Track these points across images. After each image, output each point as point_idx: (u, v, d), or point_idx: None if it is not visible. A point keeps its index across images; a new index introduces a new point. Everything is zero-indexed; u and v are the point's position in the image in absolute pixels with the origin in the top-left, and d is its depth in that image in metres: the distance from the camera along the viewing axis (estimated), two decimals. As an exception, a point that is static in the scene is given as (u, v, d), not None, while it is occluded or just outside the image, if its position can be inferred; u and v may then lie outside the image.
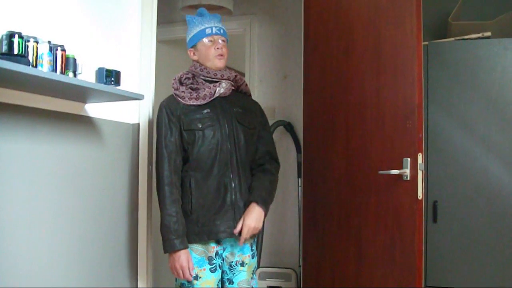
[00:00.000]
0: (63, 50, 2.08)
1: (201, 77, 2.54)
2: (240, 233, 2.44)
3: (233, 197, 2.46)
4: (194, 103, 2.49)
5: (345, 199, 2.89)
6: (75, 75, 2.14)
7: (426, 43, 3.20)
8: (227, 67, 2.60)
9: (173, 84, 2.56)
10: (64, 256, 2.30)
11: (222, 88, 2.52)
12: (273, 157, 2.68)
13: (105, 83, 2.28)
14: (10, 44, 1.86)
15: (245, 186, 2.52)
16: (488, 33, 3.27)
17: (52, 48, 2.03)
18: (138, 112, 2.80)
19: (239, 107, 2.59)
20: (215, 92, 2.50)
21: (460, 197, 3.18)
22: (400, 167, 2.62)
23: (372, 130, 2.77)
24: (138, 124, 2.80)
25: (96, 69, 2.33)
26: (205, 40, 2.54)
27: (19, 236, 2.06)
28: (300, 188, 3.86)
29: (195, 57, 2.58)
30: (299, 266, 3.69)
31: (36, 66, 1.95)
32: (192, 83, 2.54)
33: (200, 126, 2.47)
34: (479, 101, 3.18)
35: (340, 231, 2.90)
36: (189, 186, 2.46)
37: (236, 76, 2.60)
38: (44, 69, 1.97)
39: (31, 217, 2.11)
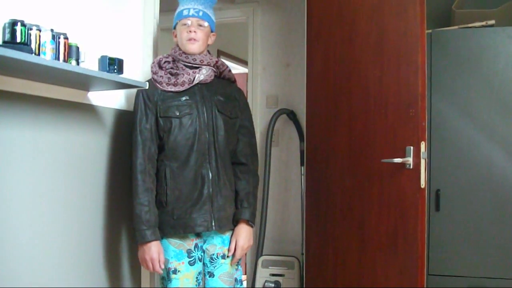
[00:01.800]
0: (66, 38, 2.07)
1: (181, 62, 2.46)
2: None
3: (210, 189, 2.38)
4: (172, 89, 2.41)
5: (348, 188, 2.89)
6: (77, 63, 2.14)
7: (430, 31, 3.18)
8: (208, 52, 2.51)
9: (152, 67, 2.48)
10: (67, 253, 2.29)
11: (202, 75, 2.44)
12: (254, 151, 2.62)
13: (108, 71, 2.27)
14: (13, 32, 1.86)
15: (224, 178, 2.43)
16: (492, 22, 3.25)
17: (55, 36, 2.02)
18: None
19: (221, 95, 2.50)
20: (194, 79, 2.42)
21: (463, 186, 3.18)
22: (403, 155, 2.62)
23: (375, 118, 2.77)
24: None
25: (99, 57, 2.32)
26: (181, 22, 2.46)
27: (22, 227, 2.06)
28: (303, 176, 3.86)
29: (176, 40, 2.50)
30: (302, 254, 3.70)
31: (38, 54, 1.95)
32: (172, 68, 2.45)
33: (177, 114, 2.38)
34: (482, 89, 3.17)
35: (342, 219, 2.91)
36: (164, 176, 2.38)
37: (217, 61, 2.51)
38: (46, 57, 1.97)
39: (34, 206, 2.12)
